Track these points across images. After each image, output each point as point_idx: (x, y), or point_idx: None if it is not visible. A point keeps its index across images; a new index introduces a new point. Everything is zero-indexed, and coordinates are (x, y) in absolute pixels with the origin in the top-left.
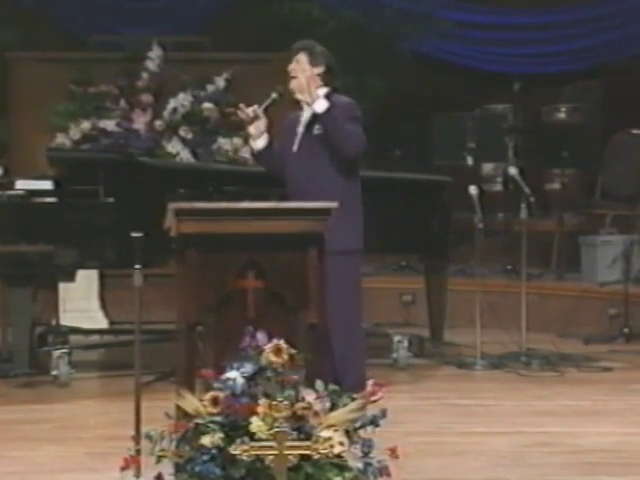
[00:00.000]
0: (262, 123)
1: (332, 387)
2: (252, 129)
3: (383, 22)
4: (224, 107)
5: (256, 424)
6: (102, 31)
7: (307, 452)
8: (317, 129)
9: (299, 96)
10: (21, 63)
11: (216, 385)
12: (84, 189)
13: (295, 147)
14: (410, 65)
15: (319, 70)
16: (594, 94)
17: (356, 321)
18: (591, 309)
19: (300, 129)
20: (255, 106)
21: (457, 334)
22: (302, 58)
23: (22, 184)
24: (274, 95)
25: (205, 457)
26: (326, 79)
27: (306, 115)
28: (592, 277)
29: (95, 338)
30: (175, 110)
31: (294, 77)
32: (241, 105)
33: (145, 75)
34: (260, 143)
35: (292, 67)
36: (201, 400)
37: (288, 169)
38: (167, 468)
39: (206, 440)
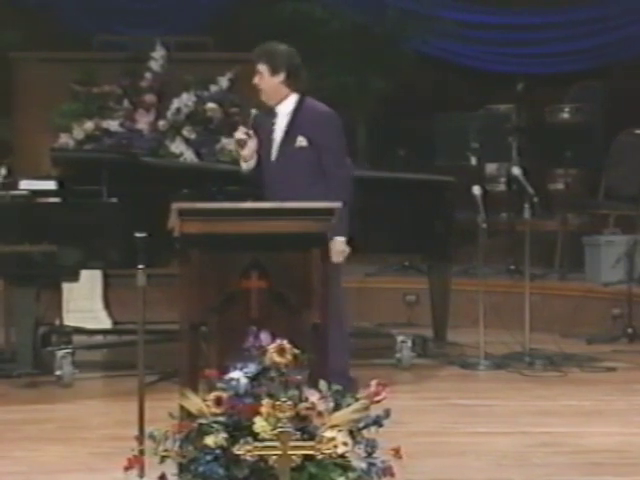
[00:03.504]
0: (253, 143)
1: (335, 387)
2: (246, 151)
3: (386, 22)
4: (227, 107)
5: (259, 424)
6: (105, 31)
7: (311, 452)
8: (300, 141)
9: (271, 103)
10: (25, 63)
11: (219, 385)
12: (87, 189)
13: (274, 157)
14: (413, 65)
15: (281, 78)
16: (597, 94)
17: (346, 318)
18: (594, 309)
19: (277, 138)
20: (242, 128)
21: (460, 334)
22: (263, 69)
23: (26, 184)
24: (254, 112)
25: (208, 457)
26: (289, 84)
27: (281, 123)
28: (595, 277)
29: (98, 338)
30: (178, 110)
31: (260, 88)
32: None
33: (148, 75)
34: (252, 163)
35: (256, 81)
36: (204, 400)
37: (267, 178)
38: (171, 468)
39: (209, 440)
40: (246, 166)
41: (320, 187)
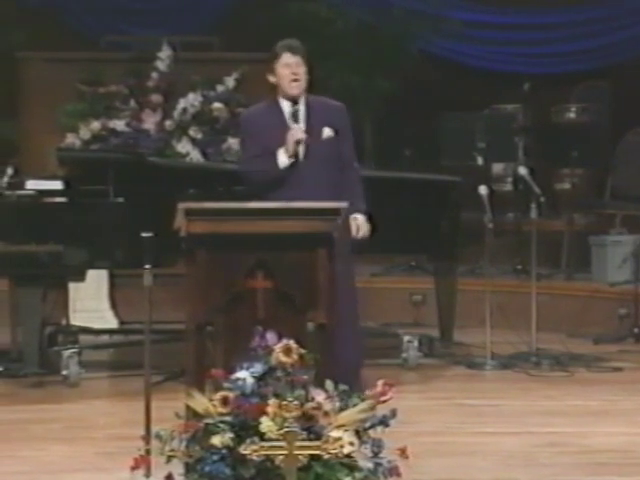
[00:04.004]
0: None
1: (342, 387)
2: (296, 147)
3: (392, 22)
4: (234, 107)
5: (266, 424)
6: (112, 31)
7: (317, 452)
8: (327, 132)
9: (297, 97)
10: (31, 63)
11: (226, 385)
12: (94, 189)
13: (301, 154)
14: (419, 65)
15: (307, 75)
16: (604, 94)
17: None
18: (601, 309)
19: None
20: (296, 126)
21: (467, 334)
22: (301, 62)
23: (32, 184)
24: (295, 108)
25: (215, 457)
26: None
27: (301, 116)
28: (602, 277)
29: (105, 338)
30: (185, 110)
31: (298, 80)
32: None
33: (155, 75)
34: (292, 159)
35: (299, 71)
36: (211, 400)
37: (293, 177)
38: (177, 468)
39: (216, 440)
40: (287, 162)
41: (338, 186)
